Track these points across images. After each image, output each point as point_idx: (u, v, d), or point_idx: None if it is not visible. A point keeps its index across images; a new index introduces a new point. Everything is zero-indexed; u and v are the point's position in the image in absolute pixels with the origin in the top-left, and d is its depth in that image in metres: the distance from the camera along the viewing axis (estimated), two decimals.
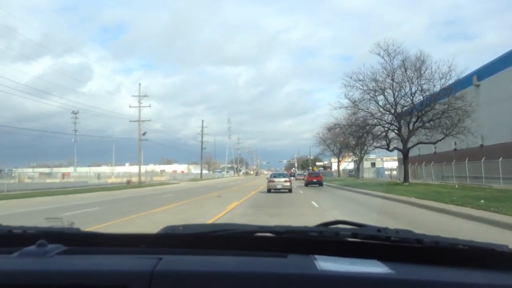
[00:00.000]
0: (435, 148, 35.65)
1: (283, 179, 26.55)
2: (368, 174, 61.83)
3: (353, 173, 68.74)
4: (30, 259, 1.09)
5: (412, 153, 33.82)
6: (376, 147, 36.23)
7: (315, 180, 38.19)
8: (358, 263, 1.08)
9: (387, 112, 31.02)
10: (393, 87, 29.91)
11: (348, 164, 79.71)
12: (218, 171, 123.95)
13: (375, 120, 31.70)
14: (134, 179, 54.45)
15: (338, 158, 71.35)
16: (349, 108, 31.57)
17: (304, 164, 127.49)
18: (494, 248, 1.14)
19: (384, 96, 30.48)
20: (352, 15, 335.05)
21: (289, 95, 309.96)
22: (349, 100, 30.46)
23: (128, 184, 49.92)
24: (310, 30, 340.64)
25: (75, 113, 75.75)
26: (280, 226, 1.29)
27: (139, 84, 54.88)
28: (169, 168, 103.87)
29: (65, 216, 12.41)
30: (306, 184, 38.43)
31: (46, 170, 71.03)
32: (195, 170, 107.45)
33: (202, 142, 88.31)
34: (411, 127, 29.94)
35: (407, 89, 29.67)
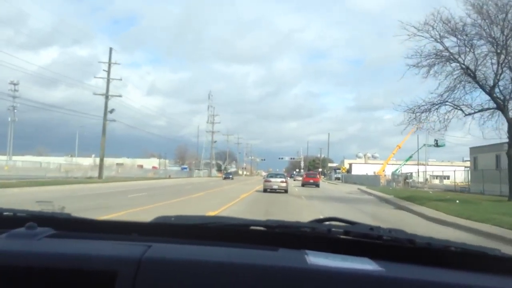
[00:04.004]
0: None
1: (279, 180, 25.93)
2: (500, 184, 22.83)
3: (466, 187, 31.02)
4: (18, 241, 1.07)
5: None
6: None
7: (311, 181, 38.77)
8: (348, 260, 1.07)
9: None
10: None
11: (401, 167, 53.58)
12: (184, 168, 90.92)
13: None
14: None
15: None
16: None
17: (311, 165, 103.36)
18: (487, 252, 1.16)
19: None
20: (365, 16, 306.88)
21: (297, 97, 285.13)
22: None
23: None
24: (323, 31, 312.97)
25: (15, 84, 55.33)
26: (273, 221, 1.29)
27: None
28: (138, 163, 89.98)
29: None
30: (303, 185, 38.61)
31: None
32: (171, 166, 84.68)
33: (106, 107, 39.49)
34: None
35: None
